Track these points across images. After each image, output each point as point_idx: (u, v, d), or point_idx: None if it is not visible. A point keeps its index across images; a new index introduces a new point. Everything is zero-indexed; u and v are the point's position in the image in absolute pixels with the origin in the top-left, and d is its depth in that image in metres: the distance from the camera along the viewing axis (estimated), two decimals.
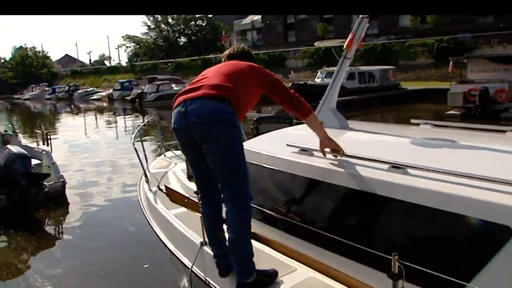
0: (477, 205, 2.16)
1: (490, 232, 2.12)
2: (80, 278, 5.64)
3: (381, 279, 2.23)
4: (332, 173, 2.92)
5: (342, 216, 2.91)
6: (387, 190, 2.55)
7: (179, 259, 3.52)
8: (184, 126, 2.74)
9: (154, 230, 4.17)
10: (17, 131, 10.53)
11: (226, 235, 2.90)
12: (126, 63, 79.41)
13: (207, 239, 3.15)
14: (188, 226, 3.63)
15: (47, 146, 10.02)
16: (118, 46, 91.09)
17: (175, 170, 5.59)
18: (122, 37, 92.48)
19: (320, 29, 55.92)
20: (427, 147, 3.13)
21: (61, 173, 9.22)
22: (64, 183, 9.06)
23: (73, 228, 7.68)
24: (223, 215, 2.98)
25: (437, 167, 2.42)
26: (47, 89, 59.97)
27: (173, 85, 39.08)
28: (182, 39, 79.93)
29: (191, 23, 77.60)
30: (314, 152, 3.22)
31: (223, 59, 3.35)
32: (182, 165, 5.60)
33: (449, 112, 20.08)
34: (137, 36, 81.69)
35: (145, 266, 5.77)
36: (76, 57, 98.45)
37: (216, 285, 3.06)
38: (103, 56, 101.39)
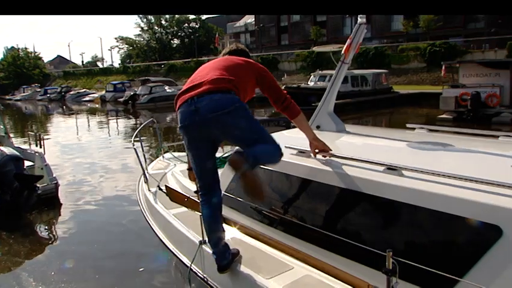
0: (469, 206, 2.26)
1: (481, 232, 2.21)
2: (73, 281, 5.61)
3: (376, 277, 2.30)
4: (329, 174, 3.01)
5: (340, 216, 2.99)
6: (383, 191, 2.64)
7: (178, 258, 3.58)
8: (197, 122, 2.84)
9: (153, 230, 4.24)
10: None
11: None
12: (119, 64, 79.39)
13: (206, 238, 3.22)
14: (188, 225, 3.71)
15: (40, 147, 9.95)
16: (111, 47, 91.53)
17: (174, 171, 5.64)
18: (115, 38, 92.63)
19: (313, 33, 56.15)
20: (422, 151, 3.24)
21: (54, 175, 9.16)
22: (56, 185, 8.99)
23: (66, 231, 7.63)
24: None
25: (432, 169, 2.51)
26: (38, 90, 59.59)
27: (166, 87, 39.00)
28: (176, 41, 79.96)
29: (184, 25, 77.63)
30: (312, 154, 3.31)
31: (220, 56, 3.43)
32: (181, 167, 5.67)
33: (441, 116, 20.22)
34: (130, 38, 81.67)
35: (140, 269, 5.75)
36: (69, 58, 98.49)
37: (215, 283, 3.13)
38: (96, 57, 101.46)
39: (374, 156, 2.92)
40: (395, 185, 2.60)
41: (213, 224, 3.13)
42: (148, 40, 79.35)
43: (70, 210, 8.65)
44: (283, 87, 3.51)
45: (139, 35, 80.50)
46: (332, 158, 3.14)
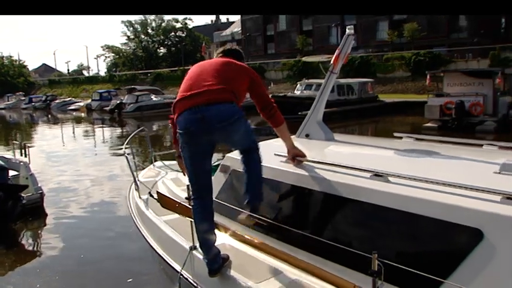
0: (451, 210, 2.36)
1: (463, 235, 2.30)
2: None
3: (364, 280, 2.35)
4: (317, 180, 3.10)
5: (328, 221, 3.07)
6: (370, 197, 2.74)
7: (168, 264, 3.62)
8: (203, 129, 3.01)
9: (143, 236, 4.29)
10: None
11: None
12: (105, 73, 78.95)
13: (196, 244, 3.29)
14: (178, 232, 3.77)
15: (25, 156, 9.85)
16: (97, 56, 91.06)
17: (164, 179, 5.67)
18: (102, 47, 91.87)
19: (300, 42, 56.48)
20: (409, 158, 3.36)
21: (39, 185, 9.06)
22: (42, 195, 8.89)
23: (52, 241, 7.53)
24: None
25: (417, 176, 2.60)
26: (23, 98, 58.89)
27: (152, 96, 38.90)
28: (162, 50, 79.90)
29: (171, 34, 77.61)
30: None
31: (215, 56, 3.57)
32: (172, 175, 5.70)
33: (426, 124, 20.43)
34: (116, 47, 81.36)
35: (128, 280, 5.69)
36: (54, 66, 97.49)
37: None
38: (82, 65, 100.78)
39: (361, 163, 3.01)
40: (381, 190, 2.69)
41: (204, 229, 3.19)
42: (135, 49, 79.16)
43: (56, 220, 8.55)
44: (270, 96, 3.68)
45: (125, 43, 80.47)
46: (320, 165, 3.23)
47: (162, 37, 77.68)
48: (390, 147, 3.70)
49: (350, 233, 2.91)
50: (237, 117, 3.06)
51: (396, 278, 2.36)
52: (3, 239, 7.57)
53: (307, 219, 3.20)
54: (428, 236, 2.49)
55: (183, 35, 77.70)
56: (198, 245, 3.30)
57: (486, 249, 2.20)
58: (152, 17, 77.32)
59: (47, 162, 15.36)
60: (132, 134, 6.56)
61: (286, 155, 3.51)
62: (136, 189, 5.23)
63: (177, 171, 6.13)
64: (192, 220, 3.24)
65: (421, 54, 37.81)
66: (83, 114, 42.97)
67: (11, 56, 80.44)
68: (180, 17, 77.83)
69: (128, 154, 5.80)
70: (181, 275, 3.34)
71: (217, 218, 3.67)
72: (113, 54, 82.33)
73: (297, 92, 28.21)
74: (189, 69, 3.48)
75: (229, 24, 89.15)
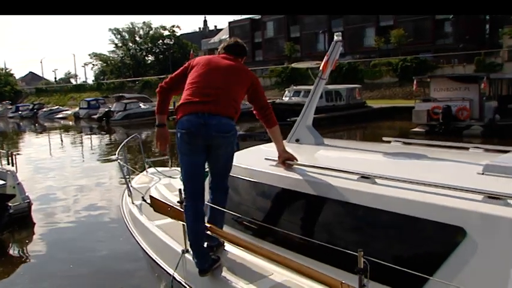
0: (435, 209, 2.44)
1: (447, 233, 2.38)
2: None
3: (351, 278, 2.38)
4: (307, 183, 3.19)
5: (317, 222, 3.15)
6: (357, 198, 2.83)
7: (161, 267, 3.67)
8: (202, 134, 3.28)
9: (136, 241, 4.35)
10: None
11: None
12: (93, 81, 78.55)
13: (188, 247, 3.38)
14: (171, 236, 3.85)
15: (12, 165, 9.75)
16: (85, 64, 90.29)
17: (157, 185, 5.74)
18: (89, 55, 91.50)
19: (287, 48, 56.71)
20: (396, 161, 3.46)
21: (26, 194, 8.97)
22: (29, 204, 8.81)
23: (40, 251, 7.46)
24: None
25: (403, 177, 2.70)
26: (10, 107, 58.34)
27: (140, 104, 38.71)
28: (150, 58, 79.74)
29: (158, 42, 77.50)
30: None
31: (219, 51, 3.76)
32: (165, 181, 5.76)
33: (414, 129, 20.63)
34: (104, 54, 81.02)
35: (120, 287, 5.66)
36: (41, 74, 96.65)
37: None
38: (69, 73, 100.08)
39: (350, 166, 3.10)
40: (367, 192, 2.79)
41: (196, 229, 3.31)
42: (122, 56, 78.94)
43: (44, 229, 8.47)
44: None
45: (113, 51, 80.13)
46: (310, 168, 3.33)
47: (150, 45, 77.56)
48: (379, 151, 3.79)
49: (339, 234, 3.01)
50: (232, 133, 3.40)
51: (382, 276, 2.43)
52: None
53: (296, 221, 3.29)
54: (413, 235, 2.58)
55: (171, 42, 77.64)
56: (189, 244, 3.40)
57: (469, 246, 2.28)
58: (140, 24, 77.37)
59: (34, 170, 15.21)
60: (125, 141, 6.56)
61: (277, 159, 3.60)
62: (129, 195, 5.29)
63: (170, 177, 6.14)
64: (184, 224, 3.32)
65: (408, 60, 38.20)
66: (70, 123, 42.65)
67: None
68: (168, 25, 78.05)
69: (120, 160, 5.83)
70: (174, 277, 3.40)
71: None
72: (100, 62, 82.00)
73: (286, 99, 28.33)
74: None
75: (217, 31, 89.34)
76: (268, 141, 3.87)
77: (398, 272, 2.26)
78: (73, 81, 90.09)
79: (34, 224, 8.69)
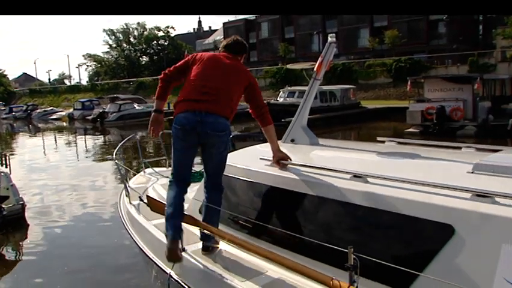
0: (425, 207, 2.51)
1: (436, 231, 2.45)
2: None
3: (342, 275, 2.41)
4: (300, 182, 3.26)
5: (310, 220, 3.21)
6: (349, 196, 2.90)
7: (158, 265, 3.70)
8: (197, 131, 3.40)
9: (134, 240, 4.38)
10: None
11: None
12: (87, 82, 78.35)
13: (185, 246, 3.48)
14: None
15: (5, 167, 9.70)
16: (79, 65, 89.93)
17: (155, 185, 5.78)
18: (83, 56, 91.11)
19: (282, 49, 56.80)
20: (389, 160, 3.52)
21: (20, 195, 8.93)
22: (23, 205, 8.75)
23: (34, 253, 7.41)
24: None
25: (394, 176, 2.76)
26: (3, 108, 58.11)
27: (135, 105, 38.64)
28: (144, 59, 79.59)
29: (153, 42, 77.38)
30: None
31: (220, 49, 3.85)
32: (163, 181, 5.84)
33: (408, 130, 20.71)
34: (98, 55, 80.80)
35: None
36: (35, 75, 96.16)
37: None
38: (63, 74, 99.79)
39: (344, 166, 3.16)
40: (359, 190, 2.87)
41: (175, 203, 3.49)
42: (117, 57, 78.74)
43: (38, 231, 8.43)
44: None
45: (107, 52, 79.94)
46: (304, 168, 3.40)
47: (144, 45, 77.44)
48: (373, 151, 3.84)
49: (331, 232, 3.06)
50: (226, 132, 3.51)
51: (373, 273, 2.49)
52: None
53: (290, 219, 3.36)
54: (403, 232, 2.65)
55: (165, 43, 77.57)
56: (186, 247, 3.50)
57: (457, 243, 2.35)
58: (134, 25, 77.22)
59: (28, 172, 15.13)
60: (123, 142, 6.57)
61: (272, 159, 3.65)
62: (126, 195, 5.32)
63: (167, 177, 6.16)
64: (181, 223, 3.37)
65: (402, 60, 38.35)
66: (65, 124, 42.51)
67: None
68: (162, 25, 77.90)
69: (118, 161, 5.84)
70: (170, 276, 3.42)
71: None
72: (95, 63, 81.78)
73: (280, 99, 28.37)
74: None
75: (211, 32, 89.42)
76: (265, 141, 3.91)
77: (388, 268, 2.32)
78: (67, 82, 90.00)
79: (28, 225, 8.65)
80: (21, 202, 8.73)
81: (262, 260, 3.19)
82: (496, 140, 16.68)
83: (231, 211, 3.65)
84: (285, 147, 3.82)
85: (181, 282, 3.35)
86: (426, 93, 21.65)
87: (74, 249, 7.42)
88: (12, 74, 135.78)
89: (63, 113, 48.10)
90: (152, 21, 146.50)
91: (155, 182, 5.97)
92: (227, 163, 3.69)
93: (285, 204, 3.47)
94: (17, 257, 7.56)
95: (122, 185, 5.66)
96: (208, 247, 3.53)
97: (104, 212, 9.57)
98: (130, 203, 5.07)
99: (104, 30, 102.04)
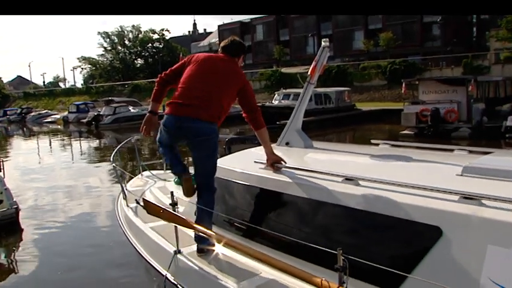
0: (413, 210, 2.57)
1: (424, 232, 2.50)
2: None
3: (335, 277, 2.42)
4: (293, 185, 3.32)
5: (304, 223, 3.25)
6: (340, 199, 2.96)
7: (154, 267, 3.74)
8: (179, 134, 3.55)
9: (131, 243, 4.43)
10: None
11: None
12: (82, 85, 78.09)
13: (180, 248, 3.50)
14: (164, 237, 3.93)
15: (0, 171, 9.65)
16: (73, 68, 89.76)
17: (152, 188, 5.80)
18: (78, 59, 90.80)
19: (277, 52, 56.87)
20: (382, 163, 3.59)
21: (14, 199, 8.88)
22: (17, 209, 8.69)
23: (28, 257, 7.37)
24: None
25: (385, 179, 2.80)
26: None
27: (130, 107, 38.56)
28: (139, 61, 79.42)
29: (148, 45, 77.26)
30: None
31: (219, 50, 3.84)
32: (160, 184, 5.92)
33: (403, 132, 20.76)
34: (93, 58, 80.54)
35: None
36: (29, 78, 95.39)
37: None
38: (58, 77, 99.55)
39: (337, 169, 3.21)
40: (350, 193, 2.93)
41: (166, 145, 3.76)
42: (112, 60, 78.54)
43: (32, 236, 8.38)
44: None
45: (102, 55, 79.65)
46: (297, 171, 3.44)
47: (139, 48, 77.28)
48: (367, 153, 3.89)
49: (323, 233, 3.11)
50: (211, 137, 3.53)
51: (363, 274, 2.52)
52: None
53: (283, 221, 3.40)
54: (392, 234, 2.70)
55: (160, 46, 77.43)
56: (182, 249, 3.52)
57: (445, 245, 2.41)
58: (129, 28, 77.08)
59: (22, 176, 15.06)
60: (120, 145, 6.58)
61: (265, 162, 3.69)
62: (124, 198, 5.35)
63: (164, 180, 6.18)
64: (176, 225, 3.39)
65: (397, 62, 38.47)
66: (59, 127, 42.34)
67: None
68: (157, 28, 77.77)
69: (115, 164, 5.86)
70: (166, 277, 3.45)
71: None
72: (89, 66, 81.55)
73: (275, 102, 28.38)
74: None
75: (206, 34, 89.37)
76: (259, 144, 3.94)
77: (377, 269, 2.34)
78: (61, 85, 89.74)
79: (22, 230, 8.60)
80: (15, 206, 8.68)
81: (256, 262, 3.21)
82: (490, 141, 16.75)
83: (225, 214, 3.68)
84: (280, 150, 3.86)
85: (176, 283, 3.38)
86: (421, 95, 21.72)
87: (69, 252, 7.38)
88: (6, 77, 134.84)
89: (58, 116, 47.89)
90: (147, 23, 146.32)
91: (153, 185, 6.00)
92: (222, 166, 3.72)
93: (278, 207, 3.51)
94: (10, 262, 7.51)
95: (119, 188, 5.69)
96: (203, 249, 3.55)
97: (99, 215, 9.54)
98: (127, 205, 5.11)
99: (99, 32, 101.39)
